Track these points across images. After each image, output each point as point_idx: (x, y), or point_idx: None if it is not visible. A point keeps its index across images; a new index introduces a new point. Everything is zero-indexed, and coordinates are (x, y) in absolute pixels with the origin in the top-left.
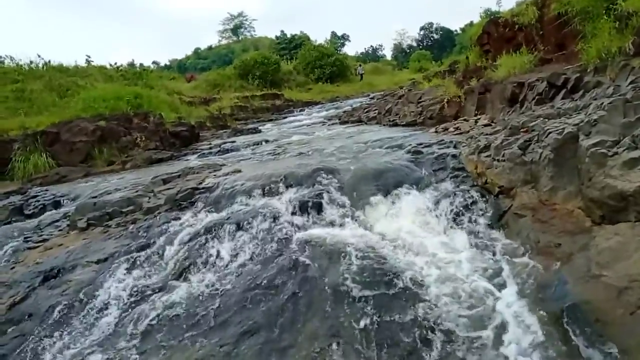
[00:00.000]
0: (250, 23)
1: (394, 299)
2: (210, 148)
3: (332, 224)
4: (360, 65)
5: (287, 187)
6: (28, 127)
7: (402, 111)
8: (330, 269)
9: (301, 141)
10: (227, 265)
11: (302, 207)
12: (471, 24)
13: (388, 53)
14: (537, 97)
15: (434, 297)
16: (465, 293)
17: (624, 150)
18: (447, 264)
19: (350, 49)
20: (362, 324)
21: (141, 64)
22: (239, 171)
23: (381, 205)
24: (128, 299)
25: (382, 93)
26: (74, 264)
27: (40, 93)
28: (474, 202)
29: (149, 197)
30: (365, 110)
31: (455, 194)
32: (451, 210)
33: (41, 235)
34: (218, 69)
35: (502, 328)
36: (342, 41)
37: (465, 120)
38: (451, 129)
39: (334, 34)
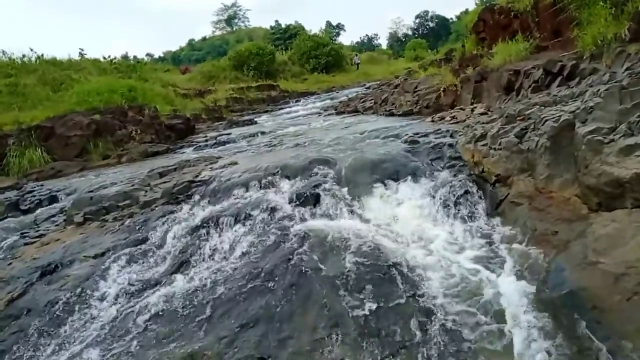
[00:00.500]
0: (244, 13)
1: (392, 289)
2: (206, 140)
3: (329, 215)
4: (356, 55)
5: (284, 179)
6: (22, 122)
7: (398, 100)
8: (328, 260)
9: (297, 132)
10: (225, 258)
11: (300, 199)
12: (467, 11)
13: (384, 42)
14: (533, 85)
15: (432, 286)
16: (463, 281)
17: (620, 137)
18: (444, 253)
19: (346, 39)
20: (360, 314)
21: (135, 57)
22: (236, 163)
23: (378, 196)
24: (126, 293)
25: (378, 82)
26: (71, 258)
27: (34, 87)
28: (471, 191)
29: (146, 191)
30: (362, 100)
31: (452, 183)
32: (448, 200)
33: (38, 231)
34: (212, 61)
35: (499, 316)
36: (337, 31)
37: (461, 109)
38: (447, 118)
39: (328, 24)
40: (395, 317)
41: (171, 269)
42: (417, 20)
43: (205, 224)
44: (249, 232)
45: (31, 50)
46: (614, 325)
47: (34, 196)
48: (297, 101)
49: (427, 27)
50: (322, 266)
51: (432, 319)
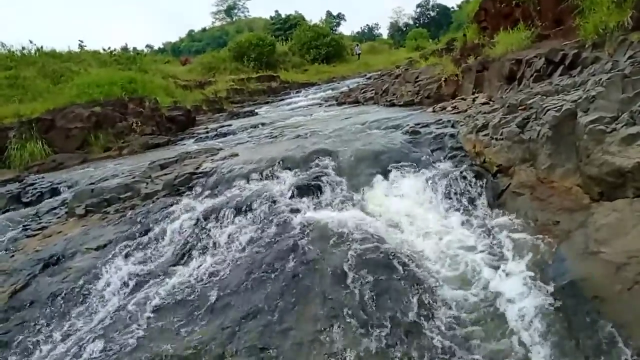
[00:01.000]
0: (243, 4)
1: (393, 279)
2: (207, 132)
3: (330, 206)
4: (357, 45)
5: (285, 170)
6: (23, 115)
7: (399, 91)
8: (329, 251)
9: (298, 123)
10: (226, 250)
11: (301, 190)
12: (468, 0)
13: (384, 32)
14: (535, 74)
15: (433, 276)
16: (465, 271)
17: (623, 126)
18: (446, 243)
19: (346, 29)
20: (362, 304)
21: (134, 48)
22: (237, 155)
23: (380, 187)
24: (128, 285)
25: (379, 73)
26: (73, 251)
27: (34, 80)
28: (472, 182)
29: (147, 183)
30: (362, 90)
31: (453, 174)
32: (449, 190)
33: (40, 223)
34: (212, 52)
35: (501, 305)
36: (337, 21)
37: (463, 99)
38: (449, 108)
39: (329, 14)
40: (397, 306)
41: (173, 260)
42: (418, 10)
43: (206, 216)
44: (251, 223)
45: (30, 42)
46: (615, 315)
47: (36, 189)
48: (297, 92)
49: (428, 16)
50: (324, 257)
51: (434, 307)
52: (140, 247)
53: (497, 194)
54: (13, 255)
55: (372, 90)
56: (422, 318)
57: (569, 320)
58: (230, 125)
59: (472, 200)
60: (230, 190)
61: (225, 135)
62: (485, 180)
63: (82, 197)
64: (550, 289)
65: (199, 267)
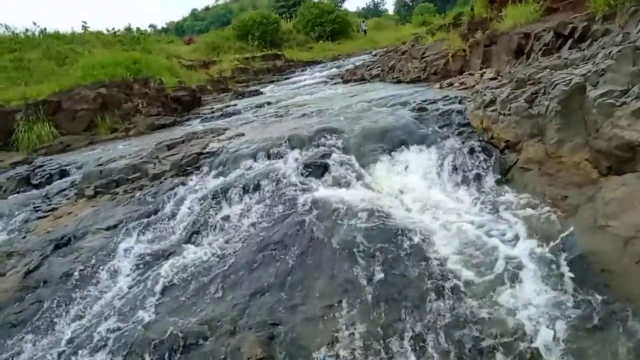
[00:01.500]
0: None
1: (401, 255)
2: (213, 112)
3: (338, 184)
4: (363, 22)
5: (291, 149)
6: (29, 97)
7: (405, 67)
8: (337, 228)
9: (304, 102)
10: (235, 228)
11: (308, 169)
12: None
13: (390, 8)
14: (543, 48)
15: (441, 252)
16: (472, 247)
17: (633, 99)
18: (453, 219)
19: (351, 5)
20: (370, 280)
21: (138, 28)
22: (243, 135)
23: (387, 164)
24: (139, 264)
25: (384, 49)
26: (84, 231)
27: (39, 62)
28: (480, 158)
29: (154, 164)
30: (368, 68)
31: (460, 150)
32: (457, 167)
33: (50, 205)
34: (216, 30)
35: (509, 281)
36: None
37: (470, 74)
38: (456, 84)
39: None
40: (405, 282)
41: (183, 239)
42: None
43: (214, 195)
44: (258, 202)
45: (34, 24)
46: (622, 288)
47: (45, 171)
48: (302, 70)
49: None
50: (332, 234)
51: (442, 282)
52: (150, 226)
53: (505, 170)
54: (25, 237)
55: (378, 67)
56: (429, 292)
57: (577, 293)
58: (235, 105)
59: (479, 177)
60: (238, 169)
61: (230, 115)
62: (493, 156)
63: (91, 178)
64: (559, 263)
65: (208, 245)
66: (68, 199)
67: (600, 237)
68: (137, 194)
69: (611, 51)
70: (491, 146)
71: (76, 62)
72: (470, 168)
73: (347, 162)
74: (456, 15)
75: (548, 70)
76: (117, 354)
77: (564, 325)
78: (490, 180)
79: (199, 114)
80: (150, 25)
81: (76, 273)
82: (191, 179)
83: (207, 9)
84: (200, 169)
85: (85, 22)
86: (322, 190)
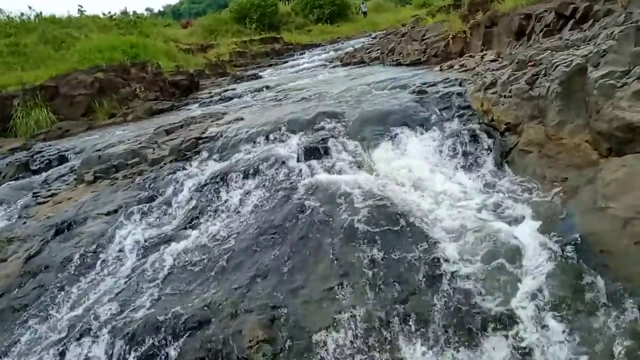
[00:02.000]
0: None
1: (401, 239)
2: (211, 96)
3: (338, 168)
4: (363, 3)
5: (291, 133)
6: (26, 82)
7: (405, 50)
8: (337, 212)
9: (303, 86)
10: (235, 212)
11: (308, 153)
12: None
13: None
14: (545, 29)
15: (441, 235)
16: (472, 229)
17: (634, 80)
18: (453, 202)
19: None
20: (370, 263)
21: (134, 12)
22: (242, 119)
23: (387, 147)
24: (140, 249)
25: (384, 32)
26: (84, 216)
27: (35, 46)
28: (480, 140)
29: (153, 149)
30: (368, 50)
31: (461, 133)
32: (457, 149)
33: (49, 190)
34: (214, 14)
35: (509, 262)
36: None
37: (471, 56)
38: (456, 66)
39: None
40: (404, 265)
41: (183, 224)
42: None
43: (214, 180)
44: (259, 186)
45: (29, 8)
46: (621, 268)
47: (43, 156)
48: (301, 54)
49: None
50: (332, 218)
51: (442, 266)
52: (150, 211)
53: (505, 152)
54: (25, 222)
55: (378, 49)
56: (430, 276)
57: (576, 274)
58: (234, 89)
59: (479, 159)
60: (237, 154)
61: (229, 99)
62: (493, 139)
63: (90, 163)
64: (558, 244)
65: (208, 229)
66: (67, 184)
67: (599, 218)
68: (137, 179)
69: (613, 31)
70: (491, 129)
71: (73, 47)
72: (470, 150)
73: (347, 145)
74: None
75: (549, 51)
76: (119, 337)
77: (563, 305)
78: (490, 162)
79: (197, 98)
80: (147, 9)
81: (77, 258)
82: (190, 164)
83: None
84: (200, 153)
85: (81, 6)
86: (322, 174)
